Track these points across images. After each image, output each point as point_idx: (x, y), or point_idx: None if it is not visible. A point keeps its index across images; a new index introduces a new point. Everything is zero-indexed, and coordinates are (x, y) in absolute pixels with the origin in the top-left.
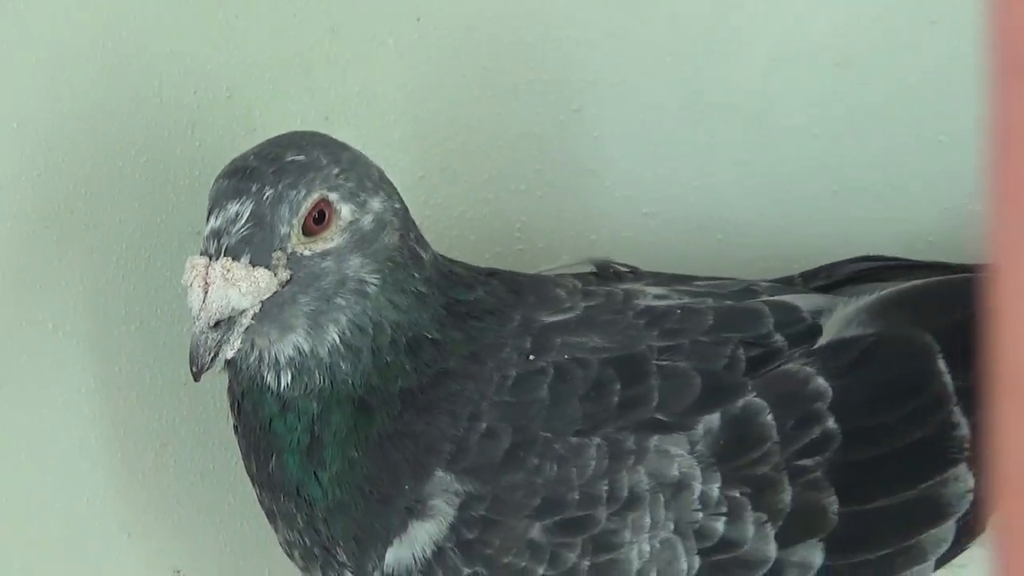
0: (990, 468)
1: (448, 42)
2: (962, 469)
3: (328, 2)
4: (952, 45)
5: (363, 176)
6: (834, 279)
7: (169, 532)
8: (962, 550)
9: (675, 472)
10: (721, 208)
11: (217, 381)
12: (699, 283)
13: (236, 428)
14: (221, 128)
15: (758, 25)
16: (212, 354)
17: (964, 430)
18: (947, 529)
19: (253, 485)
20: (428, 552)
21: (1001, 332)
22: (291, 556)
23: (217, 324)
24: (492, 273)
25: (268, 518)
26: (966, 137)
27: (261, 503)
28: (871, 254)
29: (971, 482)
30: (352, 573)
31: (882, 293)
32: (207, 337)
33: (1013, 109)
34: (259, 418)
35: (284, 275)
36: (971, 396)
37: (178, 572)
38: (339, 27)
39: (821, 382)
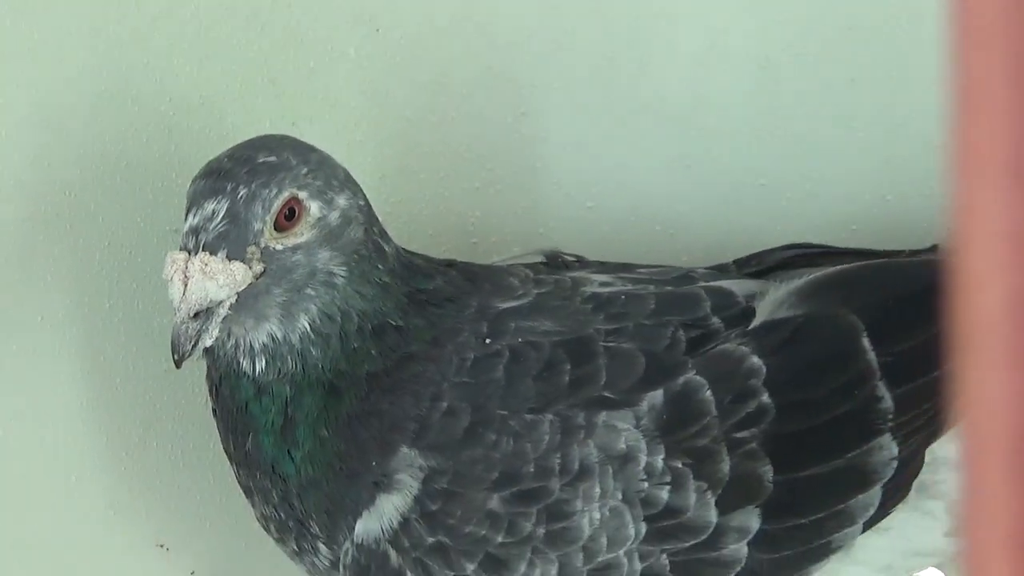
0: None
1: (405, 52)
2: (886, 439)
3: (293, 15)
4: (867, 48)
5: (330, 175)
6: (765, 265)
7: (152, 508)
8: (887, 513)
9: (622, 445)
10: (657, 201)
11: (196, 368)
12: (641, 271)
13: (214, 411)
14: (195, 133)
15: (687, 33)
16: (192, 342)
17: (888, 403)
18: (873, 494)
19: (231, 464)
20: (395, 523)
21: (961, 287)
22: (267, 529)
23: (196, 314)
24: (450, 264)
25: (245, 494)
26: (882, 132)
27: (238, 480)
28: (798, 242)
29: (895, 450)
30: (324, 544)
31: (810, 277)
32: (187, 327)
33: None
34: (236, 401)
35: (258, 268)
36: (894, 371)
37: (161, 545)
38: (303, 39)
39: (755, 360)
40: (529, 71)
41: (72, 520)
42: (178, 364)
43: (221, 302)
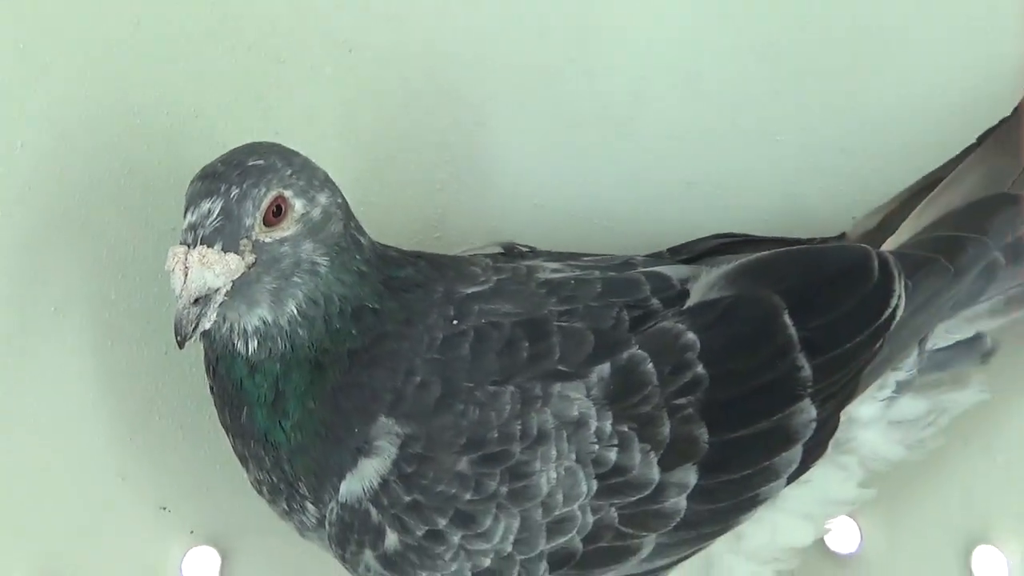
0: None
1: (375, 70)
2: (806, 403)
3: (276, 38)
4: (780, 63)
5: (311, 176)
6: (695, 253)
7: (156, 475)
8: (807, 468)
9: (575, 412)
10: (598, 198)
11: (194, 351)
12: (586, 258)
13: (212, 388)
14: (190, 143)
15: (624, 52)
16: (193, 325)
17: (807, 372)
18: (795, 452)
19: (227, 435)
20: (375, 484)
21: None
22: (260, 492)
23: (196, 301)
24: (418, 255)
25: (240, 461)
26: (794, 138)
27: (234, 449)
28: (723, 232)
29: (813, 413)
30: (311, 504)
31: (736, 263)
32: (189, 311)
33: None
34: (231, 379)
35: (250, 259)
36: (812, 344)
37: (164, 508)
38: (285, 60)
39: (690, 336)
40: (484, 86)
41: (86, 486)
42: (181, 344)
43: (218, 289)
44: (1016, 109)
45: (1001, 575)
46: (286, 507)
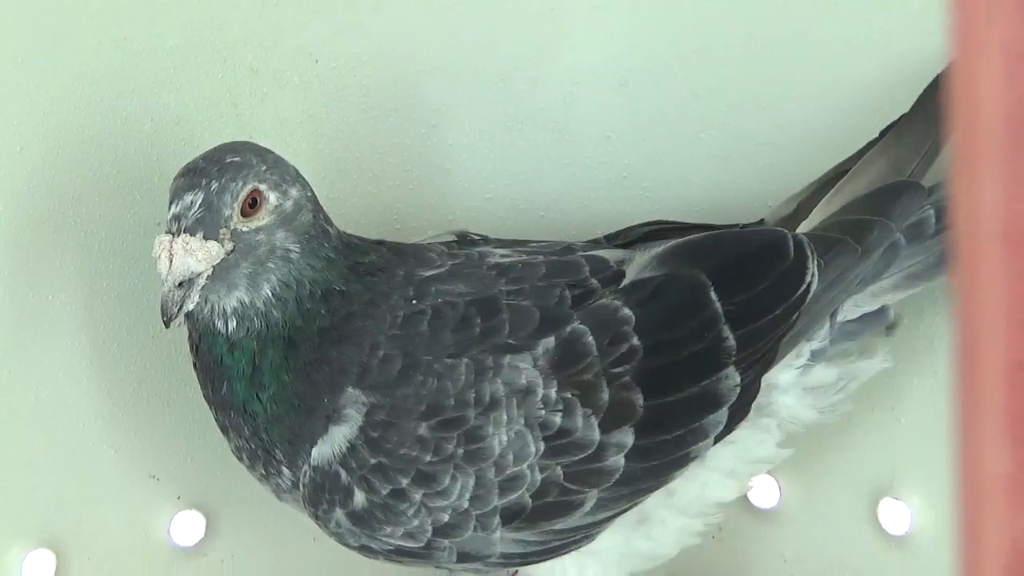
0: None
1: (339, 79)
2: (731, 370)
3: (249, 51)
4: (701, 69)
5: (283, 172)
6: (629, 238)
7: (145, 447)
8: (732, 429)
9: (523, 381)
10: (542, 192)
11: (178, 333)
12: (532, 245)
13: (195, 365)
14: (172, 147)
15: (563, 60)
16: (178, 307)
17: (731, 342)
18: (721, 414)
19: (210, 407)
20: (344, 448)
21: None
22: (240, 459)
23: (180, 284)
24: (380, 243)
25: (222, 432)
26: (717, 135)
27: (216, 421)
28: (654, 219)
29: (737, 379)
30: (287, 468)
31: (667, 245)
32: (173, 294)
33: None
34: (212, 355)
35: (229, 246)
36: (735, 318)
37: (153, 476)
38: (258, 69)
39: (626, 311)
40: (438, 93)
41: (80, 458)
42: (167, 324)
43: (200, 274)
44: (912, 107)
45: (903, 523)
46: (264, 472)
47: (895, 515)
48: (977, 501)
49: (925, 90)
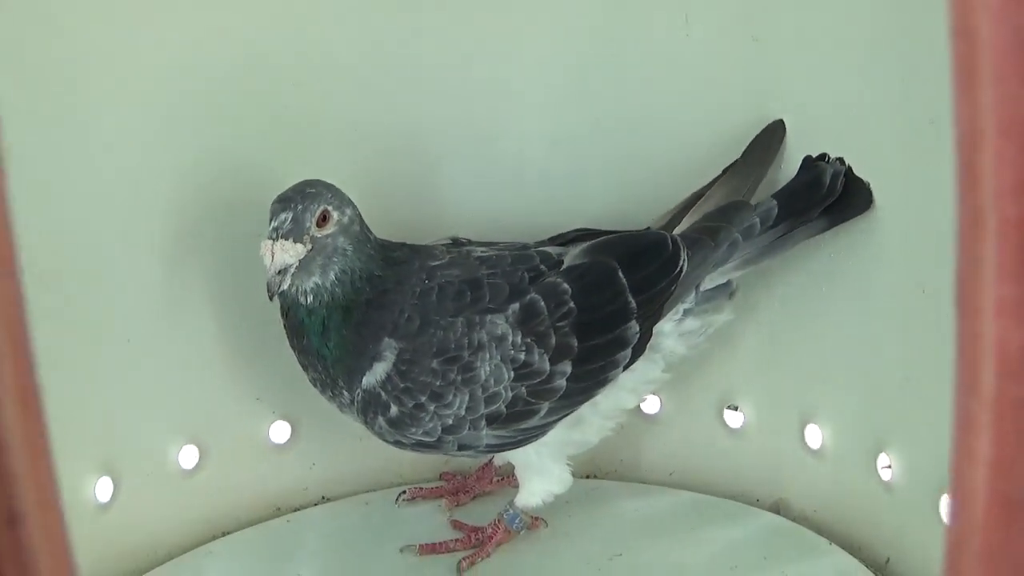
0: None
1: (366, 139)
2: (633, 323)
3: (309, 126)
4: (610, 131)
5: (342, 198)
6: (565, 239)
7: (251, 379)
8: (634, 361)
9: (499, 332)
10: (504, 211)
11: (272, 306)
12: (501, 244)
13: (284, 325)
14: (267, 184)
15: (512, 126)
16: (278, 287)
17: (633, 305)
18: (627, 352)
19: (294, 352)
20: (383, 378)
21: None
22: (315, 386)
23: (279, 272)
24: (403, 244)
25: (303, 369)
26: (617, 175)
27: (299, 361)
28: (580, 227)
29: (637, 328)
30: (346, 391)
31: (590, 243)
32: (274, 279)
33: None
34: (296, 319)
35: (309, 247)
36: (635, 288)
37: (257, 398)
38: (318, 133)
39: (565, 285)
40: (435, 149)
41: (210, 387)
42: (271, 298)
43: (291, 265)
44: (743, 153)
45: (738, 423)
46: (331, 394)
47: (733, 417)
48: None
49: (750, 143)
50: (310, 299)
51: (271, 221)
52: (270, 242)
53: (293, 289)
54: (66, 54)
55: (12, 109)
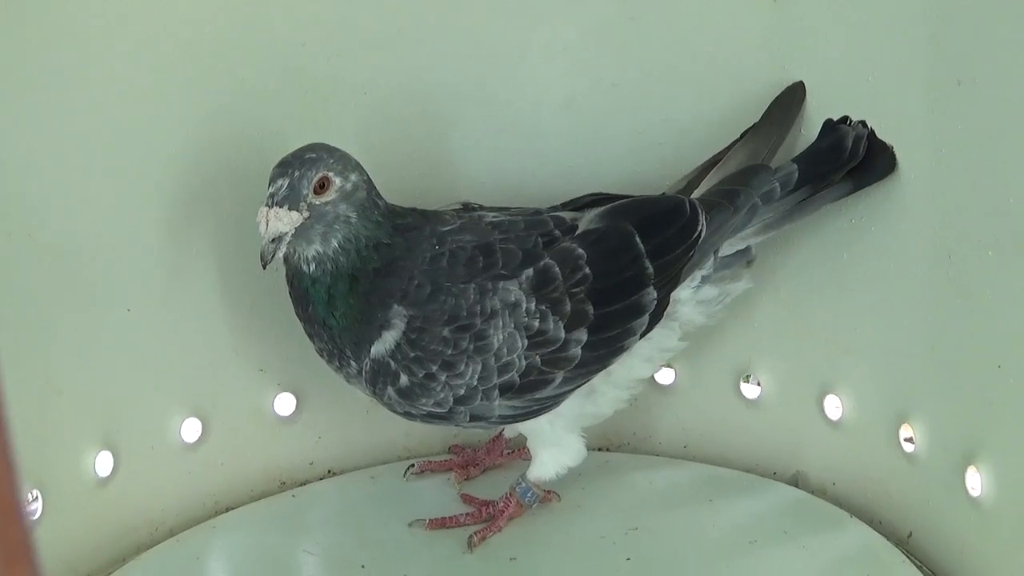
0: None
1: (381, 105)
2: (650, 289)
3: (322, 86)
4: (628, 95)
5: (346, 163)
6: (579, 204)
7: (256, 350)
8: (651, 329)
9: (512, 298)
10: (517, 175)
11: (278, 274)
12: (513, 209)
13: (290, 294)
14: (271, 149)
15: (528, 87)
16: (271, 255)
17: (651, 270)
18: (644, 319)
19: (300, 322)
20: (392, 346)
21: None
22: (321, 356)
23: (273, 240)
24: (413, 209)
25: (309, 339)
26: (629, 139)
27: (305, 330)
28: (595, 192)
29: (655, 295)
30: (353, 361)
31: (606, 207)
32: (267, 247)
33: None
34: (301, 288)
35: (306, 214)
36: (653, 254)
37: (262, 370)
38: (327, 98)
39: (580, 251)
40: (448, 113)
41: (214, 359)
42: (264, 267)
43: (286, 232)
44: (762, 116)
45: (755, 394)
46: (337, 365)
47: (751, 389)
48: None
49: (769, 106)
50: (313, 267)
51: (269, 186)
52: (266, 209)
53: (296, 257)
54: (66, 12)
55: (6, 70)
